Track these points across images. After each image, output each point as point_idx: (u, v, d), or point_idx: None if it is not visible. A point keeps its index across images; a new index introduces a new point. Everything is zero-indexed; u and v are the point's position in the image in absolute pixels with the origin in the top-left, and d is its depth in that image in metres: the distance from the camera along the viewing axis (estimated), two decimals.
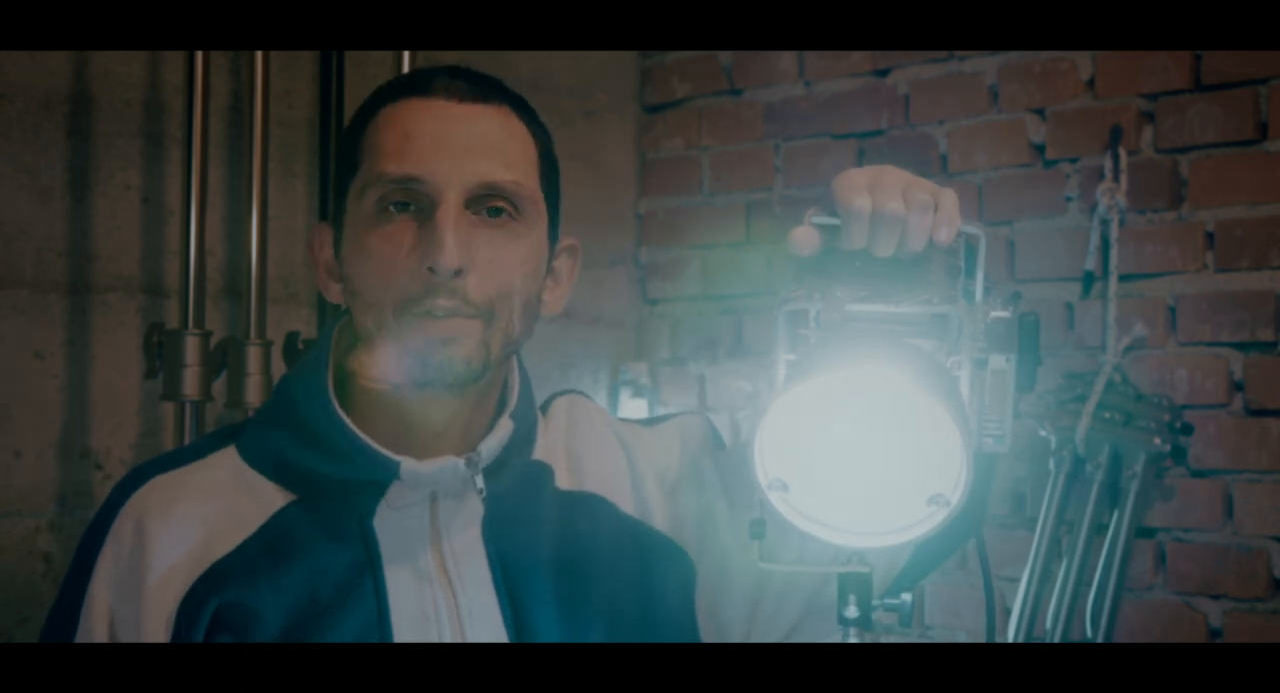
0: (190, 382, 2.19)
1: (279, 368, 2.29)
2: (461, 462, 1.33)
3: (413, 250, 1.28)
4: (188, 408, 2.20)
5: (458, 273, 1.27)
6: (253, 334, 2.27)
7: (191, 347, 2.20)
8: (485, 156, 1.30)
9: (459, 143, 1.30)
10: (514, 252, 1.31)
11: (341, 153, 1.37)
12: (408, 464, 1.31)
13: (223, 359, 2.25)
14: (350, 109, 2.43)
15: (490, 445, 1.35)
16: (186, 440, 2.18)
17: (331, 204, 1.40)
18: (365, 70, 2.50)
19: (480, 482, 1.34)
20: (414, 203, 1.29)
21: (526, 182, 1.32)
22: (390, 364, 1.30)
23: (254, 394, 2.24)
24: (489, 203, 1.30)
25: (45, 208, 2.22)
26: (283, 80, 2.45)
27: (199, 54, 2.20)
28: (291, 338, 2.35)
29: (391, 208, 1.30)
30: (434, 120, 1.30)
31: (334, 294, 1.37)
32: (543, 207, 1.35)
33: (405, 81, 1.36)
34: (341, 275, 1.35)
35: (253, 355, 2.25)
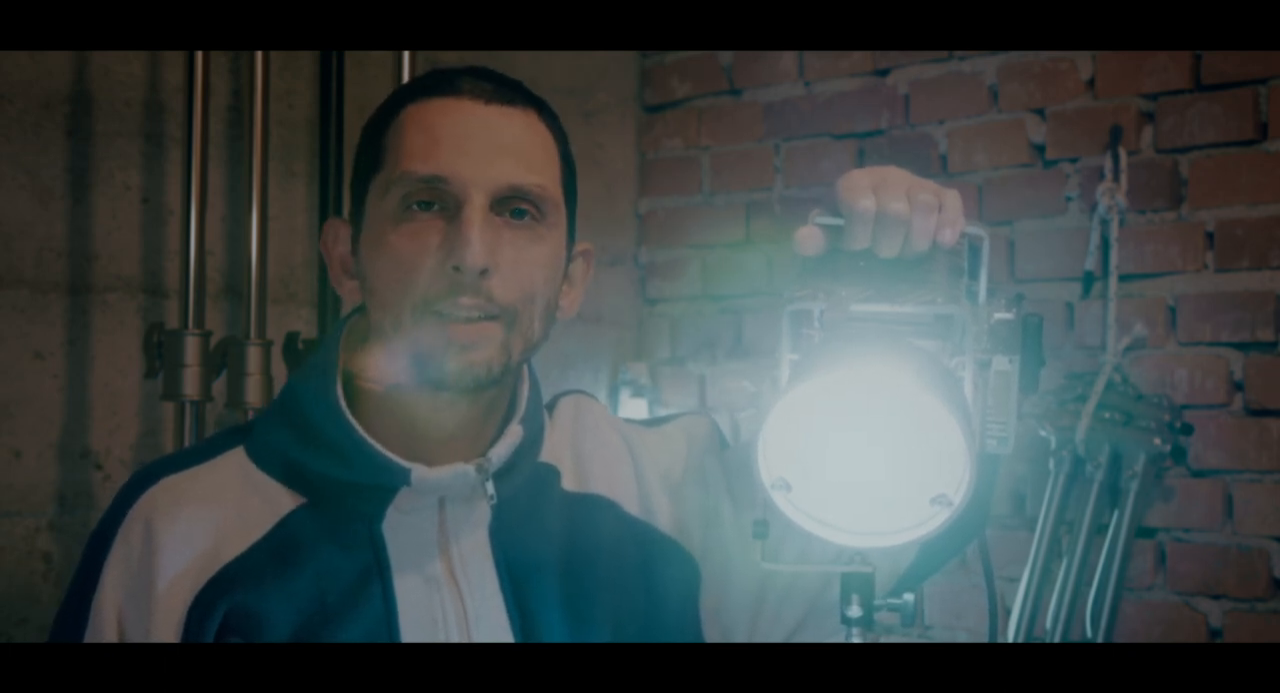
0: (190, 382, 2.19)
1: (279, 368, 2.29)
2: (472, 468, 1.32)
3: (438, 249, 1.27)
4: (188, 408, 2.20)
5: (483, 273, 1.27)
6: (253, 334, 2.27)
7: (191, 347, 2.19)
8: (511, 159, 1.30)
9: (486, 144, 1.29)
10: (537, 254, 1.31)
11: (362, 150, 1.36)
12: (419, 471, 1.31)
13: (223, 359, 2.24)
14: (350, 109, 2.45)
15: (500, 452, 1.34)
16: (186, 441, 2.18)
17: (347, 201, 1.39)
18: (365, 70, 2.50)
19: (491, 489, 1.33)
20: (439, 202, 1.29)
21: (550, 185, 1.32)
22: (404, 365, 1.30)
23: (254, 394, 2.24)
24: (513, 205, 1.30)
25: (45, 208, 2.22)
26: (283, 80, 2.45)
27: (199, 54, 2.20)
28: (291, 338, 2.35)
29: (415, 206, 1.29)
30: (461, 121, 1.30)
31: (348, 292, 1.37)
32: (564, 210, 1.35)
33: (431, 81, 1.35)
34: (358, 273, 1.34)
35: (253, 355, 2.25)
